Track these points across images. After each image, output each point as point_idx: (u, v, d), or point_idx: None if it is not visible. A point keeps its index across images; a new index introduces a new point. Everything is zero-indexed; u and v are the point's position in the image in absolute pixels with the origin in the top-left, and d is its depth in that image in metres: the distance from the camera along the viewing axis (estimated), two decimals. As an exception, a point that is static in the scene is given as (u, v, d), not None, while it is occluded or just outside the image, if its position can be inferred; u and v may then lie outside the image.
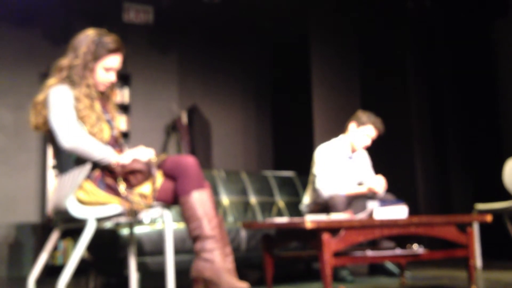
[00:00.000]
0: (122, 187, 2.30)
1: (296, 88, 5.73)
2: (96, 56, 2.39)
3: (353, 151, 3.82)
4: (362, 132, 3.74)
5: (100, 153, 2.28)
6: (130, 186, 2.32)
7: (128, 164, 2.31)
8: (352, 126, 3.78)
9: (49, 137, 2.41)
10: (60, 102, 2.30)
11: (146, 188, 2.34)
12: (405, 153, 5.51)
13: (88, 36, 2.42)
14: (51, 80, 2.40)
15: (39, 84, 4.93)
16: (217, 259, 2.27)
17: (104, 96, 2.53)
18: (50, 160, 4.62)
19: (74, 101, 2.33)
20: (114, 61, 2.45)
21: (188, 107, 5.52)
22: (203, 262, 2.27)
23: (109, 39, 2.43)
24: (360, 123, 3.73)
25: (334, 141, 3.84)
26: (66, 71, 2.39)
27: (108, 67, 2.43)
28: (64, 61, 2.42)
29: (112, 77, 2.47)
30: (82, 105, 2.33)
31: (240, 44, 5.98)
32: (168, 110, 5.48)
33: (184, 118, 5.40)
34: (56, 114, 2.28)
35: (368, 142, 3.78)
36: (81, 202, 2.28)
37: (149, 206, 2.35)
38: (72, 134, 2.24)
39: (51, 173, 4.63)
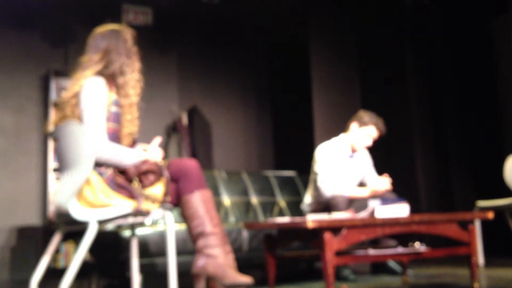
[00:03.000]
0: (137, 186, 2.31)
1: (296, 87, 5.73)
2: (134, 42, 2.56)
3: (354, 151, 3.82)
4: (363, 132, 3.73)
5: (126, 158, 2.34)
6: (142, 186, 2.34)
7: (142, 165, 2.34)
8: (353, 126, 3.77)
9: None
10: (94, 102, 2.33)
11: (156, 189, 2.36)
12: (406, 151, 5.51)
13: (117, 26, 2.54)
14: (88, 71, 2.41)
15: (39, 87, 4.95)
16: (221, 255, 2.29)
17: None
18: (51, 163, 4.62)
19: (119, 89, 2.42)
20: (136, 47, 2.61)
21: (188, 108, 5.52)
22: (206, 258, 2.29)
23: (128, 28, 2.61)
24: (362, 123, 3.72)
25: (334, 140, 3.83)
26: (102, 63, 2.42)
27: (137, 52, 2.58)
28: (95, 55, 2.44)
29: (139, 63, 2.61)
30: (137, 91, 2.48)
31: (240, 44, 5.98)
32: (168, 111, 5.48)
33: (185, 119, 5.40)
34: (87, 119, 2.31)
35: (369, 143, 3.77)
36: (86, 201, 2.27)
37: (164, 207, 2.38)
38: (96, 146, 2.28)
39: (52, 175, 4.63)
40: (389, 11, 5.71)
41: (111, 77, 2.45)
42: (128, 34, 2.52)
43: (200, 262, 2.30)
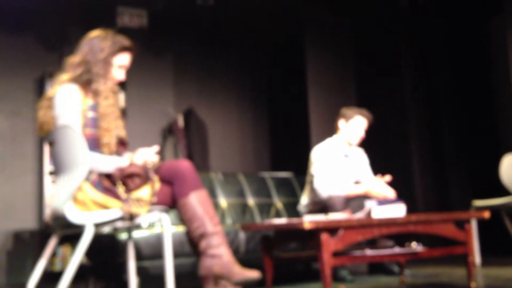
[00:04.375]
0: (121, 190, 2.30)
1: (292, 88, 5.73)
2: (114, 51, 2.45)
3: (350, 145, 3.83)
4: (353, 125, 3.76)
5: (100, 165, 2.31)
6: (128, 190, 2.32)
7: (126, 168, 2.32)
8: (341, 123, 3.81)
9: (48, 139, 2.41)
10: (66, 110, 2.31)
11: (143, 192, 2.34)
12: (402, 151, 5.52)
13: (102, 33, 2.48)
14: (64, 76, 2.40)
15: (35, 90, 4.94)
16: (225, 253, 2.28)
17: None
18: (47, 166, 4.61)
19: (94, 98, 2.35)
20: (126, 59, 2.51)
21: (184, 110, 5.51)
22: (210, 259, 2.28)
23: (123, 37, 2.51)
24: (348, 117, 3.78)
25: (329, 141, 3.85)
26: (81, 68, 2.40)
27: (121, 64, 2.49)
28: (77, 58, 2.42)
29: (123, 75, 2.52)
30: (109, 101, 2.37)
31: (235, 45, 5.98)
32: (164, 114, 5.48)
33: (181, 121, 5.39)
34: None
35: (362, 133, 3.80)
36: (80, 203, 2.26)
37: (149, 210, 2.36)
38: None
39: (48, 179, 4.61)
40: (385, 12, 5.72)
41: (88, 83, 2.42)
42: (108, 41, 2.44)
43: (206, 263, 2.30)
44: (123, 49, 2.48)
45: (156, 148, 2.47)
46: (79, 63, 2.41)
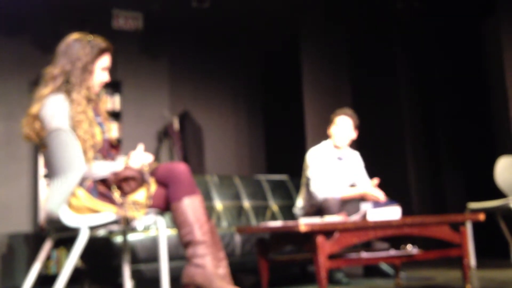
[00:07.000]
0: (116, 194, 2.29)
1: (287, 91, 5.74)
2: (93, 57, 2.42)
3: (338, 147, 3.84)
4: (337, 126, 3.80)
5: (101, 171, 2.31)
6: (124, 193, 2.31)
7: (121, 172, 2.31)
8: (331, 128, 3.85)
9: (41, 146, 2.39)
10: (56, 120, 2.28)
11: (139, 195, 2.34)
12: (397, 153, 5.53)
13: (78, 39, 2.43)
14: (45, 90, 2.38)
15: (29, 92, 4.90)
16: (209, 264, 2.26)
17: (95, 99, 2.53)
18: (42, 169, 4.59)
19: (70, 106, 2.32)
20: (108, 60, 2.50)
21: (179, 113, 5.51)
22: (194, 268, 2.27)
23: (99, 40, 2.47)
24: (332, 120, 3.82)
25: (323, 144, 3.86)
26: (61, 78, 2.37)
27: (104, 66, 2.48)
28: (55, 69, 2.40)
29: (107, 76, 2.51)
30: (80, 108, 2.33)
31: (231, 48, 5.98)
32: (159, 116, 5.47)
33: (176, 124, 5.39)
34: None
35: (348, 133, 3.81)
36: (75, 209, 2.25)
37: (145, 213, 2.35)
38: None
39: (43, 182, 4.60)
40: (380, 15, 5.73)
41: (67, 92, 2.37)
42: (86, 48, 2.40)
43: (189, 271, 2.29)
44: (103, 51, 2.45)
45: (141, 147, 2.47)
46: (58, 74, 2.38)
